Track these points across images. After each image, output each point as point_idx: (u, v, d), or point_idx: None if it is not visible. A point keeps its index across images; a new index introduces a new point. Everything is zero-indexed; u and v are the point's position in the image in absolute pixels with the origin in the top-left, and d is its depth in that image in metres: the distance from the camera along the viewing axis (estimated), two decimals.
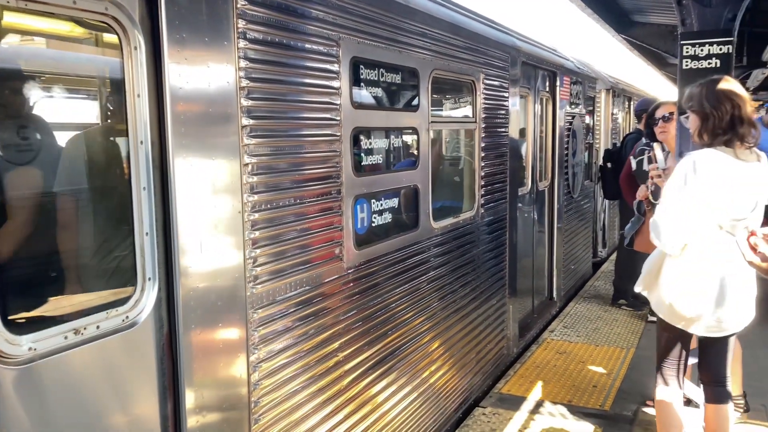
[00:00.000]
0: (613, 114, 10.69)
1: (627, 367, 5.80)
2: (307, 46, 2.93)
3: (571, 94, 7.70)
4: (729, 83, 3.38)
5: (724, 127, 3.28)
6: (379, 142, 3.71)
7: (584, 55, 10.69)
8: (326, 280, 3.13)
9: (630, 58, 19.18)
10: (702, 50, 4.89)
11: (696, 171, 3.21)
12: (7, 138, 2.05)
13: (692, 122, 3.42)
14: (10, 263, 1.91)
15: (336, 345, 3.22)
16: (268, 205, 2.70)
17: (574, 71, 7.85)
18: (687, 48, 5.00)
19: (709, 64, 4.89)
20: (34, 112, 2.26)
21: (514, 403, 5.05)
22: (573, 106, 7.85)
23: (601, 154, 9.96)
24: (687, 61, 5.01)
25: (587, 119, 8.84)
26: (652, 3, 12.17)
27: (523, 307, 6.45)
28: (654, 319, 6.65)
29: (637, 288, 3.73)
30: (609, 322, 7.12)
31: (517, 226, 5.92)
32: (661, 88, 25.56)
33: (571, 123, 7.75)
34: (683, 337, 3.59)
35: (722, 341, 3.62)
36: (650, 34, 14.71)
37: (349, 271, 3.33)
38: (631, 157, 5.63)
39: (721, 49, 4.81)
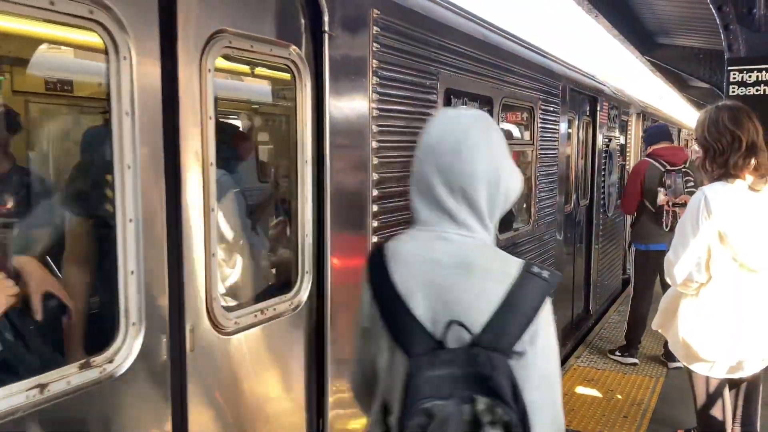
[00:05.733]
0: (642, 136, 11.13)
1: (657, 398, 5.69)
2: (415, 80, 3.43)
3: (608, 118, 8.18)
4: (732, 111, 3.21)
5: (726, 159, 3.14)
6: None
7: (608, 75, 10.94)
8: None
9: (652, 79, 19.54)
10: (750, 77, 4.96)
11: (707, 207, 3.09)
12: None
13: (700, 153, 3.33)
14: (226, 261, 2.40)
15: None
16: (385, 215, 3.19)
17: (612, 97, 8.33)
18: (734, 74, 5.05)
19: (757, 90, 4.94)
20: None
21: None
22: (610, 130, 8.32)
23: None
24: (734, 87, 5.06)
25: (621, 141, 9.30)
26: (678, 25, 12.39)
27: (563, 321, 6.88)
28: (677, 365, 6.21)
29: (654, 326, 3.58)
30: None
31: (563, 240, 6.38)
32: (683, 111, 25.94)
33: (608, 145, 8.22)
34: (717, 386, 3.38)
35: (749, 384, 3.49)
36: (674, 56, 14.55)
37: None
38: None
39: None
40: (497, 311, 1.60)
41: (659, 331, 3.56)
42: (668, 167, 6.15)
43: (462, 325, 1.58)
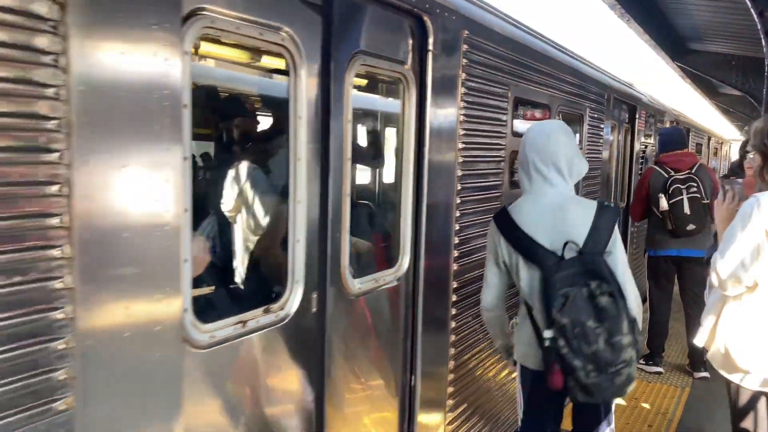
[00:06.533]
0: None
1: (683, 408, 5.68)
2: (492, 89, 3.94)
3: (645, 126, 8.61)
4: None
5: None
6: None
7: (637, 80, 10.81)
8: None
9: (682, 85, 19.56)
10: None
11: (759, 213, 3.03)
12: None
13: (755, 161, 3.28)
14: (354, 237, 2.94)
15: None
16: (466, 206, 3.71)
17: (649, 105, 8.75)
18: None
19: None
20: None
21: None
22: (646, 137, 8.74)
23: None
24: None
25: (656, 148, 9.70)
26: (711, 31, 12.26)
27: None
28: (703, 375, 6.33)
29: (698, 341, 3.45)
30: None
31: None
32: (712, 118, 26.06)
33: (644, 151, 8.65)
34: (756, 397, 3.27)
35: None
36: (706, 62, 14.31)
37: None
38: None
39: None
40: (591, 230, 2.89)
41: (702, 344, 3.42)
42: (672, 174, 6.24)
43: (573, 242, 2.83)
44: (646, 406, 5.68)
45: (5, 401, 1.44)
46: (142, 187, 1.73)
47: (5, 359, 1.43)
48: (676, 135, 6.87)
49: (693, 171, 6.26)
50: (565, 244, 2.84)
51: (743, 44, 11.56)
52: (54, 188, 1.51)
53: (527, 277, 2.94)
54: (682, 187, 6.17)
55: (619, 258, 2.96)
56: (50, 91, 1.49)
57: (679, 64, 14.99)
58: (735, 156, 24.35)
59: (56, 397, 1.54)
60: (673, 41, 13.54)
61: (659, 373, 6.58)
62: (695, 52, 14.55)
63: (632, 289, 2.94)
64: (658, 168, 6.47)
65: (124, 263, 1.69)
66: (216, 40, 2.43)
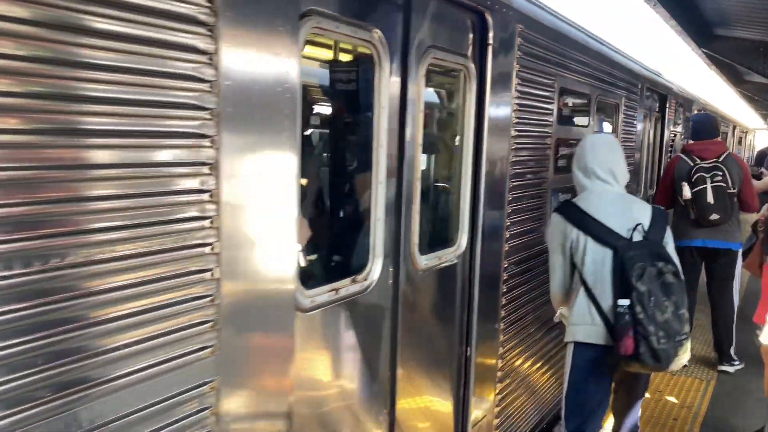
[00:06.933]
0: None
1: (708, 401, 5.73)
2: (541, 80, 4.16)
3: (675, 115, 8.75)
4: None
5: None
6: (563, 150, 4.91)
7: (660, 66, 10.64)
8: (536, 248, 4.35)
9: (706, 72, 19.35)
10: None
11: None
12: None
13: None
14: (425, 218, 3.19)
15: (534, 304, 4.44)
16: (517, 191, 3.94)
17: (679, 95, 8.89)
18: None
19: None
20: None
21: None
22: (675, 125, 8.89)
23: None
24: None
25: (684, 137, 9.84)
26: (739, 16, 12.14)
27: None
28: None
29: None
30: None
31: None
32: (736, 106, 25.86)
33: (673, 140, 8.80)
34: None
35: None
36: (731, 48, 13.57)
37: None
38: None
39: None
40: (652, 222, 3.45)
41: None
42: (698, 162, 6.14)
43: (642, 226, 3.37)
44: (672, 399, 5.74)
45: (175, 344, 1.72)
46: (268, 168, 2.00)
47: (172, 312, 1.71)
48: (708, 123, 6.72)
49: (720, 160, 6.14)
50: (636, 226, 3.34)
51: None
52: (206, 168, 1.78)
53: (595, 256, 3.37)
54: (707, 175, 6.04)
55: (671, 246, 3.53)
56: (206, 86, 1.75)
57: (704, 50, 14.78)
58: (760, 145, 24.17)
59: (206, 344, 1.82)
60: (698, 26, 13.27)
61: (684, 365, 6.54)
62: (721, 38, 14.09)
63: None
64: (684, 156, 6.39)
65: (255, 233, 1.97)
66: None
